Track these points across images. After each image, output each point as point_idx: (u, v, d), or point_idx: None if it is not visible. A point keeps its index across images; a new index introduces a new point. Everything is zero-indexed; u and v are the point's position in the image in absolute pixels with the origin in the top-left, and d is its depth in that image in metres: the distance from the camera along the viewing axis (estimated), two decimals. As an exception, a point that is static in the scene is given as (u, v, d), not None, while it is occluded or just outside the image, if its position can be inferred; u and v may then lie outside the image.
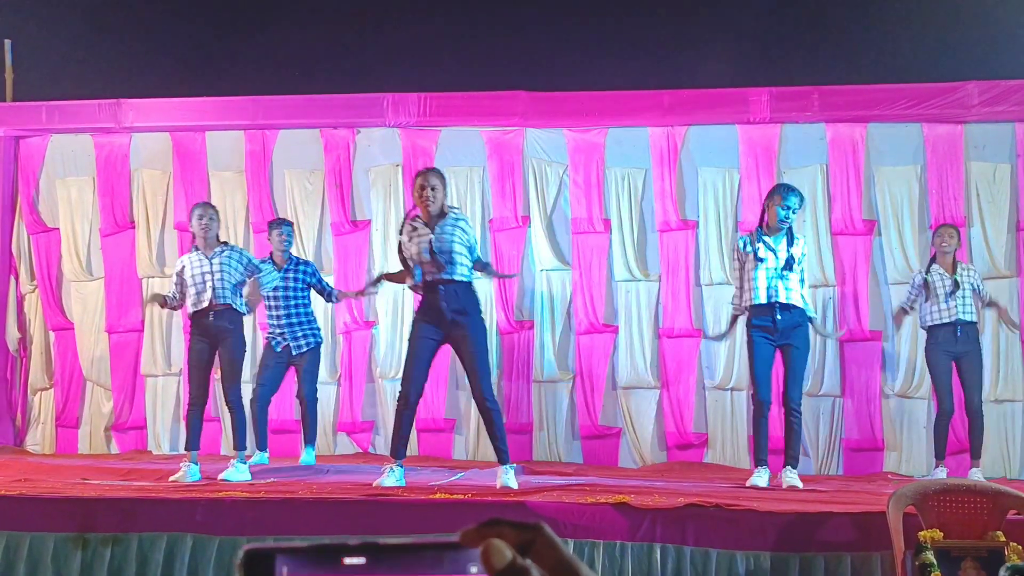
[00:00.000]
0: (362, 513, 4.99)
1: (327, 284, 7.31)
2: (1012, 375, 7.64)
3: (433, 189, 5.54)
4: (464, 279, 5.56)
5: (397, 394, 5.72)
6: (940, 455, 6.81)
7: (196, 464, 6.03)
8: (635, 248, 8.03)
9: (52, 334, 8.55)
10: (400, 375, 7.78)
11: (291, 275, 7.08)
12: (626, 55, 7.99)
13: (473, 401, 5.78)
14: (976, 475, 6.56)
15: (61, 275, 8.56)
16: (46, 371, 8.56)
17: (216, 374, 6.46)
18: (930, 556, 4.23)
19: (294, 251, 7.64)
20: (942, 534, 4.30)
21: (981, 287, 6.91)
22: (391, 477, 5.53)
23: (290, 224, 7.37)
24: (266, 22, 8.30)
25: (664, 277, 7.96)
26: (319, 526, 4.88)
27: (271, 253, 7.14)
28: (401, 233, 5.72)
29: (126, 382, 8.29)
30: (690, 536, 4.77)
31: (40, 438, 8.49)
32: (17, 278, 8.65)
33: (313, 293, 7.21)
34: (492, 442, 5.66)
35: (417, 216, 5.65)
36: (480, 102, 8.08)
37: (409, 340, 5.73)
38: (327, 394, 8.15)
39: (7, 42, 8.64)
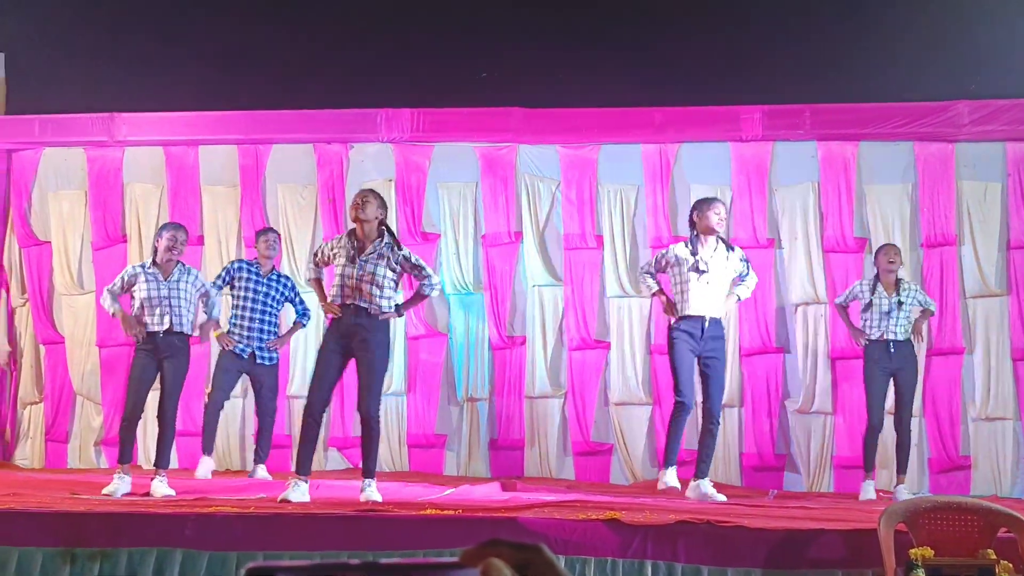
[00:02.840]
0: (352, 528, 4.98)
1: (305, 304, 7.24)
2: (1003, 394, 7.65)
3: (364, 201, 5.64)
4: (377, 308, 5.63)
5: (303, 409, 5.76)
6: (869, 468, 6.86)
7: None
8: (627, 264, 8.03)
9: (43, 348, 8.52)
10: (390, 389, 7.80)
11: (273, 284, 7.11)
12: (619, 72, 8.01)
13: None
14: (903, 492, 6.61)
15: (52, 289, 8.54)
16: (36, 385, 8.52)
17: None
18: (921, 574, 4.23)
19: (285, 265, 7.71)
20: (933, 552, 4.30)
21: (927, 301, 7.03)
22: (297, 491, 5.55)
23: (277, 232, 7.41)
24: (259, 37, 8.30)
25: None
26: (309, 541, 4.86)
27: (255, 259, 7.18)
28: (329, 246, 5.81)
29: (116, 397, 8.24)
30: (681, 553, 4.76)
31: (29, 452, 8.44)
32: (8, 291, 8.63)
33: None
34: (365, 455, 5.77)
35: (352, 234, 5.73)
36: (473, 118, 8.10)
37: (318, 354, 5.79)
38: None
39: (0, 55, 8.64)
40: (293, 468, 5.75)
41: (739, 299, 6.56)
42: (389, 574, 0.69)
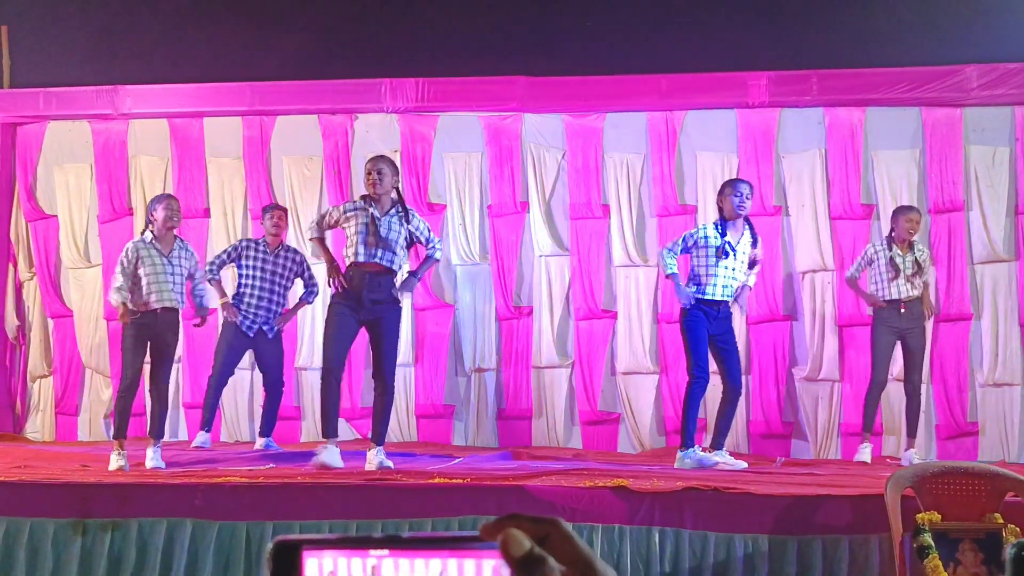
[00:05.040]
0: (360, 497, 5.00)
1: (314, 279, 7.23)
2: (1010, 359, 7.64)
3: (379, 173, 5.77)
4: (392, 268, 5.84)
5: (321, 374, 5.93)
6: (868, 428, 6.83)
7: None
8: (634, 233, 8.02)
9: (51, 321, 8.55)
10: (398, 360, 7.82)
11: (280, 260, 7.09)
12: (624, 39, 7.96)
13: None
14: (913, 457, 6.59)
15: (59, 262, 8.55)
16: (45, 358, 8.56)
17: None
18: (928, 538, 4.24)
19: (292, 237, 7.70)
20: (940, 516, 4.31)
21: (927, 262, 7.00)
22: (331, 454, 5.66)
23: (284, 209, 7.39)
24: (263, 7, 8.27)
25: (663, 262, 7.94)
26: (318, 510, 4.90)
27: (263, 237, 7.17)
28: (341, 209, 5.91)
29: (125, 369, 8.28)
30: (688, 519, 4.79)
31: (40, 425, 8.49)
32: (15, 266, 8.65)
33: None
34: (378, 421, 5.95)
35: (367, 199, 5.86)
36: (478, 87, 8.06)
37: (328, 321, 5.89)
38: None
39: (3, 28, 8.61)
40: (322, 433, 5.87)
41: (749, 289, 6.55)
42: (411, 547, 0.71)
